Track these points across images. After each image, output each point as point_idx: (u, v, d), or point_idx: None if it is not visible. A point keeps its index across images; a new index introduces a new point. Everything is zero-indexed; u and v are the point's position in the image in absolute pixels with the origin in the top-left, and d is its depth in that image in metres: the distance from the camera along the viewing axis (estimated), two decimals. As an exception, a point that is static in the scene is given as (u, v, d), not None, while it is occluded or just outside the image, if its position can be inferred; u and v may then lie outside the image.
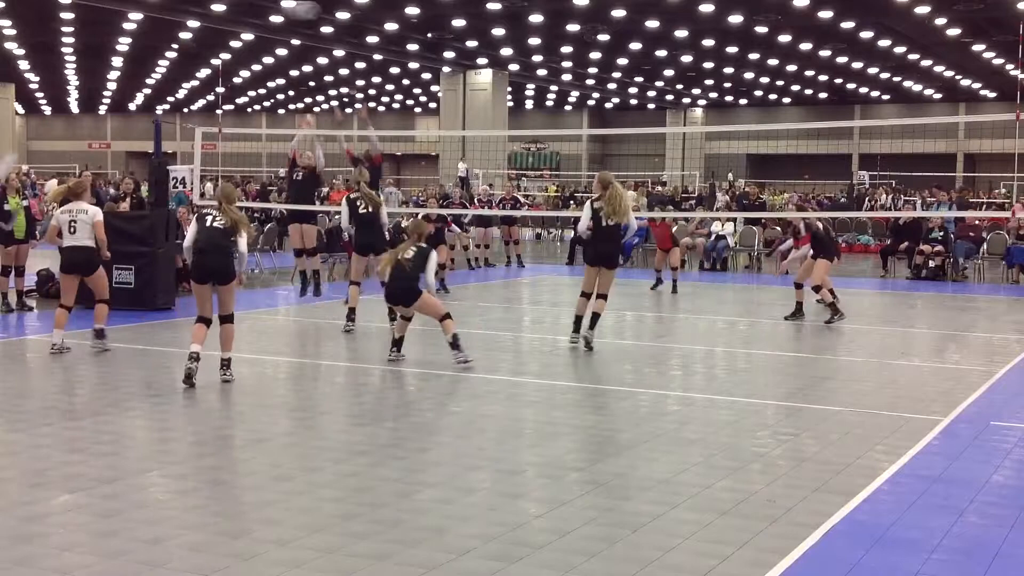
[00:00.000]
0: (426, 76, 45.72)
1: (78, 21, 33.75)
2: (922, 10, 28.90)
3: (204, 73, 47.00)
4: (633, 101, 55.13)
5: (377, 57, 39.08)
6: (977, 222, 23.41)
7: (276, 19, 31.41)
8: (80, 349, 11.09)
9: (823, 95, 51.94)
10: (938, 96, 50.77)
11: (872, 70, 42.33)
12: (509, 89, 43.17)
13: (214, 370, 9.33)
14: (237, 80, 48.85)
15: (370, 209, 12.60)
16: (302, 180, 14.59)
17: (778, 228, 23.75)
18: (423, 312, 10.50)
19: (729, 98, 54.87)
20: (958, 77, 44.07)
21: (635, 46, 36.95)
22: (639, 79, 47.43)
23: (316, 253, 15.09)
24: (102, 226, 10.99)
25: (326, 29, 33.15)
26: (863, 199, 34.98)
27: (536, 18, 31.47)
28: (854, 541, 5.54)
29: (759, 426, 8.20)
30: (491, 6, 29.51)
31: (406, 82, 49.97)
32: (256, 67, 45.01)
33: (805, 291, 14.43)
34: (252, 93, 55.92)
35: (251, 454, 7.14)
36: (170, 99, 58.98)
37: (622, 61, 41.13)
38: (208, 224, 9.47)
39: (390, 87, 52.78)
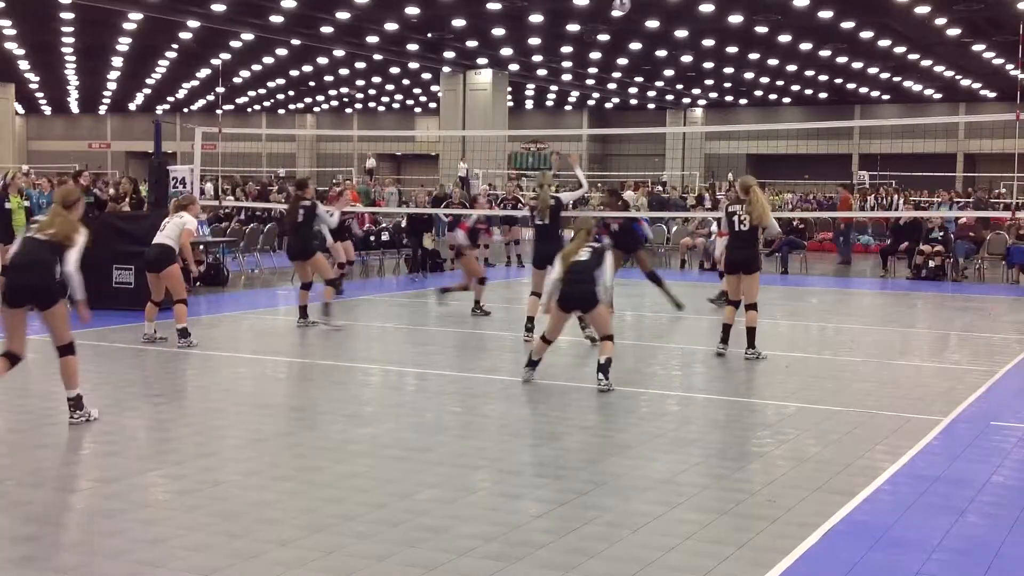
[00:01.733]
0: (426, 76, 45.69)
1: (78, 21, 33.74)
2: (922, 10, 28.87)
3: (204, 73, 46.98)
4: (633, 101, 55.11)
5: (377, 57, 39.06)
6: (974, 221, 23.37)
7: (276, 19, 31.41)
8: (82, 349, 11.07)
9: (823, 95, 51.89)
10: (938, 96, 50.73)
11: (872, 70, 42.29)
12: (509, 89, 43.15)
13: (215, 371, 9.32)
14: (237, 80, 48.82)
15: (547, 220, 12.10)
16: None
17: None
18: (594, 322, 9.69)
19: (729, 98, 54.83)
20: (958, 77, 44.04)
21: (635, 46, 36.94)
22: (639, 79, 47.40)
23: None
24: (189, 234, 11.60)
25: (326, 29, 33.13)
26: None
27: (536, 18, 31.45)
28: (854, 541, 5.54)
29: (759, 426, 8.20)
30: (491, 6, 29.49)
31: (406, 82, 49.94)
32: (256, 67, 44.99)
33: None
34: (252, 93, 55.90)
35: (251, 454, 7.14)
36: (170, 99, 58.95)
37: (622, 61, 41.11)
38: (31, 235, 7.89)
39: (390, 87, 52.75)
